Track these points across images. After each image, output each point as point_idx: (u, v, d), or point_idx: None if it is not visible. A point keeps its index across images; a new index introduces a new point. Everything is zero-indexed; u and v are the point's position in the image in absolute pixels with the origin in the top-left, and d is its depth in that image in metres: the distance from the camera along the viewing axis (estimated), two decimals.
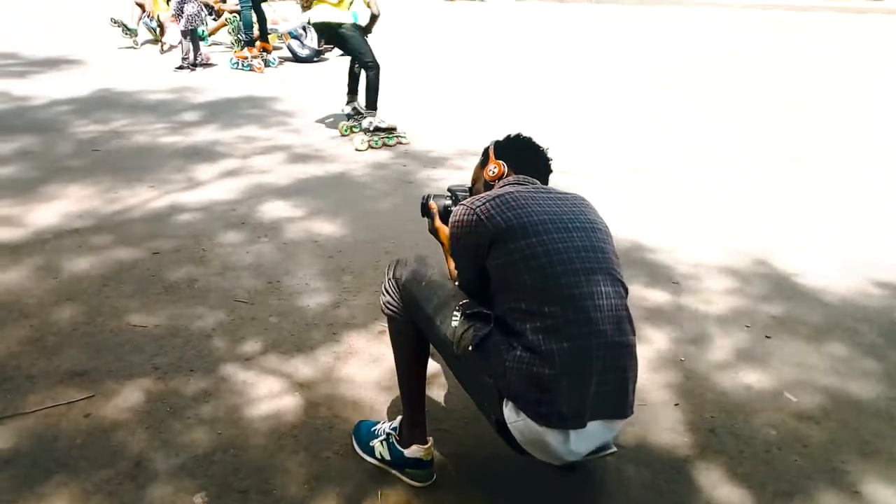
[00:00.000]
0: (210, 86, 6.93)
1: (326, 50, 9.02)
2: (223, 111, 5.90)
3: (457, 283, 1.80)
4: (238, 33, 8.27)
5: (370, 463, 1.94)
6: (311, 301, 2.82)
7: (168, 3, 8.16)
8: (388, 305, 1.81)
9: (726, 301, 2.92)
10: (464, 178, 3.94)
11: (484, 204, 1.69)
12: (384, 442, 1.90)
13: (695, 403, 2.26)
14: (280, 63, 8.36)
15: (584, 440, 1.60)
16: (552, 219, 1.67)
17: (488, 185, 1.91)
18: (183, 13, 7.53)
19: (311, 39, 8.78)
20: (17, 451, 1.97)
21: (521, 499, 1.88)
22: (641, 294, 2.94)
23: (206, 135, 5.18)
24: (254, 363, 2.40)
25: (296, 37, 8.81)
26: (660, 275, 3.13)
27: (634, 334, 1.68)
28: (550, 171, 1.98)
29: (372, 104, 4.98)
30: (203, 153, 4.73)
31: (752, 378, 2.40)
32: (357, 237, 3.44)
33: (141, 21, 9.39)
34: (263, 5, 8.57)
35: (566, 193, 1.80)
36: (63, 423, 2.09)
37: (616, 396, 1.62)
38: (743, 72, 8.07)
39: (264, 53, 8.27)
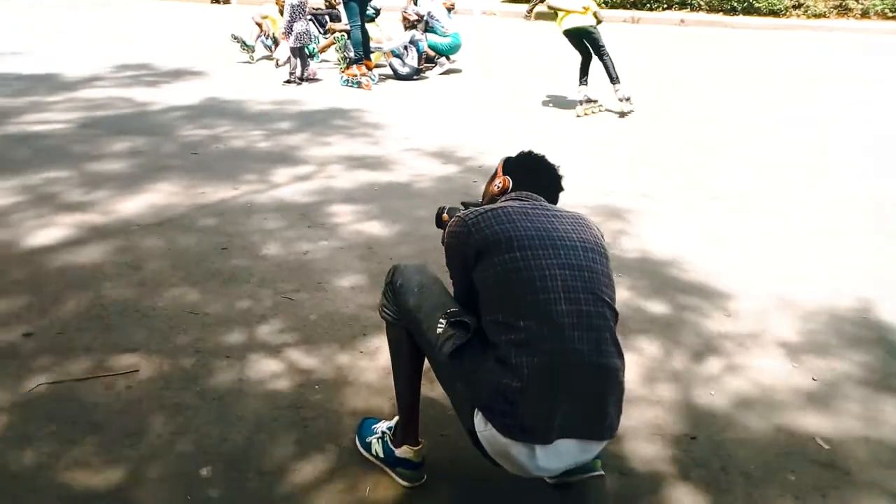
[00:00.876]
0: (311, 99, 7.31)
1: (427, 68, 9.27)
2: (315, 122, 6.21)
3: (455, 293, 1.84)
4: (345, 51, 8.68)
5: (367, 459, 2.00)
6: (352, 303, 2.94)
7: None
8: (384, 309, 1.88)
9: (778, 336, 2.77)
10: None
11: (476, 216, 1.72)
12: (379, 440, 1.96)
13: (712, 438, 2.17)
14: (381, 80, 8.67)
15: (553, 457, 1.59)
16: (541, 235, 1.67)
17: (493, 200, 1.94)
18: (292, 31, 7.99)
19: (412, 58, 9.06)
20: (61, 411, 2.18)
21: None
22: (692, 319, 2.85)
23: (293, 142, 5.48)
24: (284, 356, 2.54)
25: (398, 55, 9.11)
26: (714, 305, 3.01)
27: (620, 358, 1.65)
28: (560, 189, 1.99)
29: (616, 79, 6.50)
30: (287, 158, 5.00)
31: (788, 419, 2.27)
32: (409, 247, 3.53)
33: (258, 38, 10.03)
34: (371, 25, 8.91)
35: (565, 212, 1.80)
36: (106, 391, 2.29)
37: (592, 418, 1.60)
38: (850, 91, 7.57)
39: (368, 71, 8.62)
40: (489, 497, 1.92)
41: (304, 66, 8.29)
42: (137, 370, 2.42)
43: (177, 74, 8.36)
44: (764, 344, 2.72)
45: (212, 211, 3.92)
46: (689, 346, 2.69)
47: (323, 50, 9.98)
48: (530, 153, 2.01)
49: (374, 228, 3.75)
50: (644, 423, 2.23)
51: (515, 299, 1.60)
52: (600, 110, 6.81)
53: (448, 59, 9.48)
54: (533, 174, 1.96)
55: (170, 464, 1.98)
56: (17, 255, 3.29)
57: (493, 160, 4.95)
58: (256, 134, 5.73)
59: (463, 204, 2.18)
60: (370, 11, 9.09)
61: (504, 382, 1.55)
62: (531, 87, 7.92)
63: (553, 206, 1.84)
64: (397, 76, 9.17)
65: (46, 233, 3.54)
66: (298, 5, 7.98)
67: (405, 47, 9.05)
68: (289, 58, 8.30)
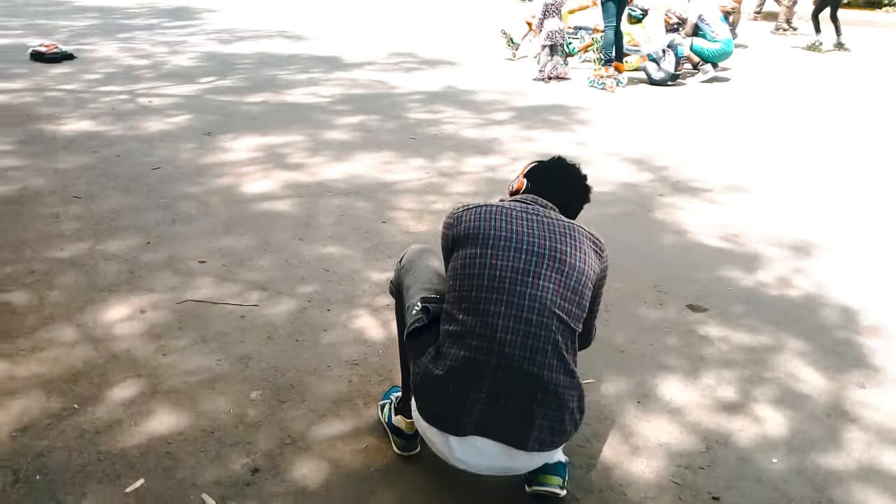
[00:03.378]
0: (544, 95, 7.47)
1: (685, 74, 8.83)
2: (532, 117, 6.37)
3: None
4: (601, 52, 8.65)
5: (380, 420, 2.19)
6: None
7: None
8: (390, 285, 2.03)
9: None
10: (719, 213, 3.74)
11: (463, 210, 1.80)
12: (389, 405, 2.13)
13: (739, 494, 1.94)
14: (632, 83, 8.47)
15: (471, 452, 1.63)
16: (513, 237, 1.69)
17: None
18: (543, 27, 8.19)
19: (669, 63, 8.70)
20: (191, 322, 2.71)
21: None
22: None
23: (500, 134, 5.71)
24: (378, 316, 2.79)
25: (654, 59, 8.81)
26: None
27: (567, 374, 1.62)
28: (583, 201, 1.99)
29: None
30: (487, 150, 5.25)
31: None
32: None
33: (525, 37, 10.41)
34: (637, 27, 8.74)
35: (562, 223, 1.77)
36: (226, 315, 2.78)
37: (517, 425, 1.61)
38: None
39: (616, 73, 8.50)
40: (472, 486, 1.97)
41: (555, 64, 8.44)
42: (256, 305, 2.86)
43: (434, 63, 9.10)
44: None
45: (394, 189, 4.31)
46: None
47: (583, 49, 10.02)
48: (559, 160, 2.00)
49: None
50: None
51: (463, 293, 1.66)
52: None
53: (714, 66, 8.91)
54: (553, 181, 1.95)
55: (234, 382, 2.36)
56: (231, 197, 4.01)
57: (694, 176, 4.72)
58: (470, 121, 6.08)
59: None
60: (637, 12, 8.89)
61: (431, 369, 1.63)
62: (798, 109, 7.14)
63: (555, 215, 1.81)
64: (651, 81, 8.88)
65: (260, 184, 4.24)
66: (553, 3, 8.14)
67: (663, 51, 8.71)
68: (537, 55, 8.53)
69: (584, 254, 1.72)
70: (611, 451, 2.12)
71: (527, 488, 1.82)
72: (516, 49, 10.18)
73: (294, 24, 12.39)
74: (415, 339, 1.77)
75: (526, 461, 1.66)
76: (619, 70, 8.41)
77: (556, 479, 1.78)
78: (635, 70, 8.91)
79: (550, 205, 1.88)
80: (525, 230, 1.71)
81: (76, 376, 2.35)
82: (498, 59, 9.81)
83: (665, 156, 5.19)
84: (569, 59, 9.31)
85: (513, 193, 1.97)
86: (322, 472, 1.98)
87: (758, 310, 2.99)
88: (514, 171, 4.67)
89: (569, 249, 1.71)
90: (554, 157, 2.03)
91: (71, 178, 4.23)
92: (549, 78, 8.34)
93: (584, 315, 1.72)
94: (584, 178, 1.99)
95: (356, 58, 9.19)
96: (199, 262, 3.21)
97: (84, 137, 5.09)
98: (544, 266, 1.67)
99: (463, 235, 1.74)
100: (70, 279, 2.99)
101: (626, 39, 8.87)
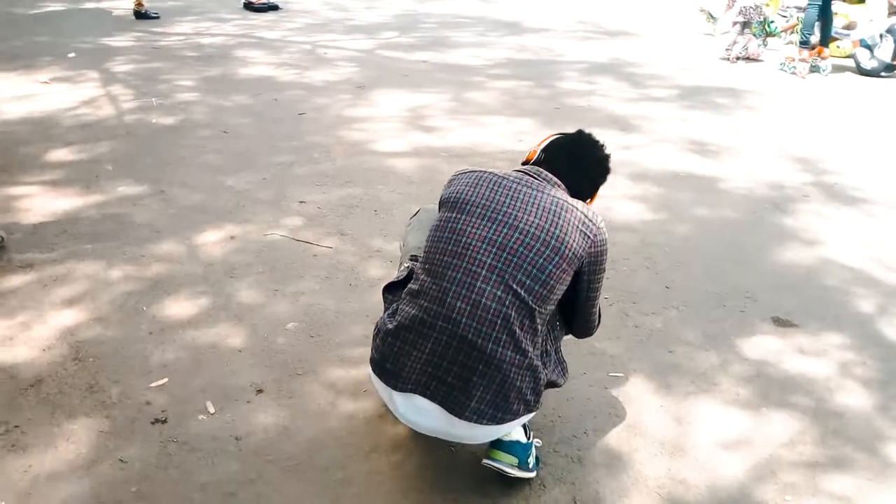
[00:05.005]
0: (719, 75, 6.89)
1: None
2: (691, 97, 5.92)
3: None
4: (805, 32, 7.76)
5: None
6: None
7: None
8: (401, 242, 2.08)
9: None
10: (870, 229, 3.42)
11: (457, 174, 1.79)
12: None
13: None
14: (836, 72, 7.50)
15: (413, 410, 1.65)
16: (487, 205, 1.67)
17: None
18: (736, 2, 7.49)
19: (885, 51, 7.57)
20: (269, 254, 2.96)
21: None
22: None
23: (650, 111, 5.39)
24: None
25: (868, 45, 7.72)
26: None
27: (516, 350, 1.58)
28: (596, 179, 1.89)
29: None
30: (629, 127, 4.99)
31: None
32: (668, 236, 3.38)
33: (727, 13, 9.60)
34: (858, 6, 7.72)
35: (548, 197, 1.70)
36: (299, 252, 2.99)
37: (456, 392, 1.61)
38: None
39: (817, 59, 7.58)
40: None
41: (745, 43, 7.73)
42: (331, 248, 3.06)
43: (614, 34, 8.73)
44: None
45: (514, 158, 4.27)
46: None
47: (787, 30, 9.04)
48: (579, 135, 1.89)
49: (641, 213, 3.62)
50: None
51: (430, 254, 1.67)
52: None
53: None
54: (565, 157, 1.85)
55: (279, 310, 2.57)
56: (355, 149, 4.25)
57: (858, 184, 4.14)
58: (624, 95, 5.81)
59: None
60: None
61: (385, 323, 1.67)
62: None
63: (550, 190, 1.72)
64: (860, 71, 7.83)
65: (388, 141, 4.43)
66: None
67: (880, 36, 7.61)
68: (726, 32, 7.85)
69: (565, 233, 1.64)
70: (605, 449, 2.02)
71: (487, 462, 1.79)
72: (716, 24, 9.43)
73: None
74: (388, 293, 1.83)
75: (466, 430, 1.65)
76: (819, 55, 7.49)
77: (509, 458, 1.74)
78: (847, 57, 7.88)
79: (555, 180, 1.80)
80: (504, 200, 1.68)
81: (155, 284, 2.69)
82: (688, 33, 9.17)
83: (831, 157, 4.60)
84: (769, 39, 8.45)
85: (524, 163, 1.92)
86: (314, 404, 2.11)
87: (860, 344, 2.61)
88: (650, 153, 4.43)
89: (547, 226, 1.64)
90: (575, 132, 1.94)
91: (227, 114, 4.72)
92: (738, 58, 7.65)
93: (553, 296, 1.65)
94: (602, 158, 1.89)
95: (537, 24, 9.09)
96: (300, 202, 3.47)
97: (257, 81, 5.63)
98: (512, 239, 1.63)
99: (447, 197, 1.75)
100: (187, 201, 3.39)
101: (841, 22, 7.86)
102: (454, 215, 1.70)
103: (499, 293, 1.59)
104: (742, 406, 2.21)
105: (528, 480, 1.85)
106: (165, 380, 2.17)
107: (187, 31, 7.36)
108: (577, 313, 1.87)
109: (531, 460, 1.81)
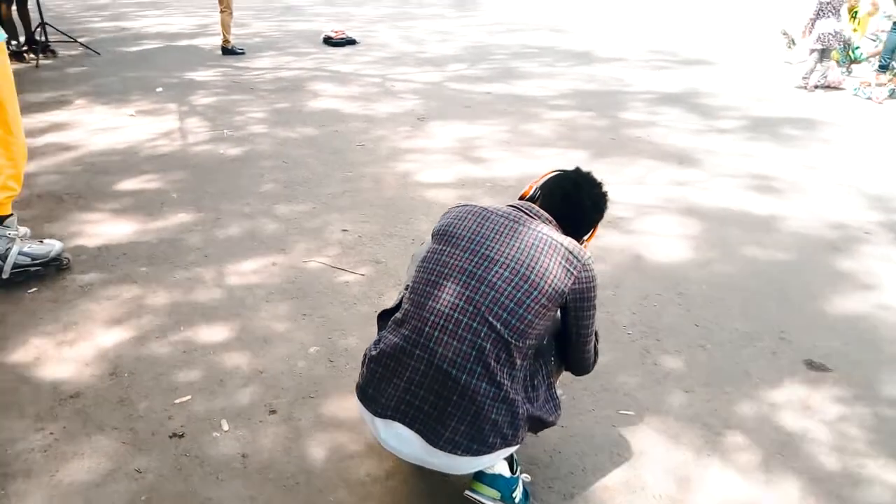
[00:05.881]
0: (797, 104, 6.64)
1: None
2: (763, 127, 5.74)
3: None
4: (882, 56, 7.40)
5: None
6: None
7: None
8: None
9: None
10: None
11: (453, 208, 1.87)
12: None
13: None
14: None
15: (393, 437, 1.70)
16: (472, 237, 1.73)
17: None
18: (815, 28, 7.22)
19: None
20: (302, 280, 3.11)
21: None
22: None
23: (711, 145, 5.26)
24: None
25: None
26: None
27: (490, 383, 1.62)
28: (584, 218, 1.92)
29: None
30: (685, 158, 4.91)
31: None
32: (700, 272, 3.31)
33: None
34: None
35: (533, 232, 1.73)
36: (333, 279, 3.12)
37: (432, 421, 1.65)
38: None
39: (887, 81, 7.20)
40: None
41: (824, 71, 7.43)
42: (364, 275, 3.17)
43: (688, 62, 8.57)
44: None
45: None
46: None
47: (876, 55, 8.63)
48: (575, 174, 1.93)
49: (682, 251, 3.57)
50: None
51: (415, 284, 1.74)
52: None
53: None
54: (558, 195, 1.90)
55: (305, 334, 2.69)
56: (404, 180, 4.38)
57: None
58: (687, 127, 5.71)
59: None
60: None
61: (371, 349, 1.75)
62: None
63: (536, 226, 1.76)
64: None
65: (436, 172, 4.55)
66: (828, 1, 7.13)
67: None
68: (803, 60, 7.57)
69: (545, 268, 1.67)
70: (601, 490, 2.00)
71: (468, 494, 1.82)
72: (795, 50, 9.12)
73: (568, 17, 12.54)
74: (381, 320, 1.91)
75: (445, 459, 1.69)
76: None
77: (491, 491, 1.76)
78: None
79: (547, 216, 1.84)
80: (492, 234, 1.73)
81: (196, 306, 2.87)
82: (767, 61, 8.89)
83: (888, 198, 4.35)
84: (853, 66, 8.09)
85: (520, 198, 1.96)
86: (319, 427, 2.20)
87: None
88: (705, 188, 4.34)
89: (527, 260, 1.68)
90: (573, 170, 1.96)
91: (290, 145, 4.97)
92: (816, 87, 7.35)
93: (532, 331, 1.67)
94: (597, 197, 1.91)
95: (609, 53, 9.05)
96: (343, 230, 3.62)
97: (323, 113, 5.90)
98: (492, 273, 1.67)
99: (437, 230, 1.82)
100: (237, 229, 3.60)
101: None
102: (440, 247, 1.76)
103: (474, 325, 1.64)
104: (753, 467, 2.13)
105: None
106: (189, 397, 2.32)
107: (267, 66, 7.80)
108: (570, 349, 1.89)
109: (517, 495, 1.83)
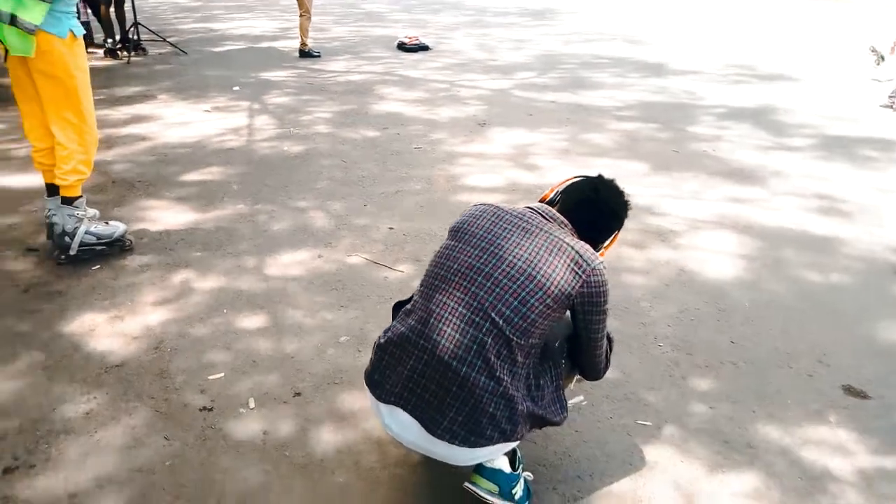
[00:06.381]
0: (879, 124, 6.32)
1: None
2: (838, 146, 5.50)
3: None
4: None
5: None
6: None
7: None
8: None
9: None
10: None
11: (472, 206, 1.91)
12: None
13: None
14: None
15: (396, 423, 1.77)
16: (484, 236, 1.77)
17: None
18: None
19: None
20: (343, 274, 3.22)
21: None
22: None
23: (778, 161, 5.09)
24: None
25: None
26: None
27: (490, 377, 1.65)
28: (601, 225, 1.92)
29: None
30: (747, 175, 4.77)
31: None
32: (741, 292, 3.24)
33: None
34: None
35: (545, 234, 1.76)
36: (374, 274, 3.22)
37: (432, 410, 1.71)
38: None
39: None
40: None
41: None
42: (403, 271, 3.25)
43: (767, 77, 8.29)
44: None
45: None
46: None
47: None
48: (597, 180, 1.94)
49: (730, 269, 3.50)
50: None
51: (425, 277, 1.81)
52: None
53: None
54: (576, 200, 1.91)
55: (338, 324, 2.79)
56: (455, 183, 4.45)
57: None
58: (755, 143, 5.54)
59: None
60: None
61: (380, 337, 1.82)
62: None
63: (550, 228, 1.78)
64: None
65: (488, 177, 4.60)
66: None
67: None
68: (893, 78, 7.20)
69: (553, 270, 1.70)
70: (605, 497, 1.99)
71: (468, 486, 1.85)
72: (883, 67, 8.68)
73: (646, 28, 12.35)
74: (395, 311, 1.98)
75: (445, 449, 1.73)
76: None
77: (489, 485, 1.79)
78: None
79: (563, 220, 1.86)
80: (504, 234, 1.76)
81: (241, 291, 3.02)
82: (853, 78, 8.49)
83: None
84: None
85: (540, 201, 1.99)
86: (338, 412, 2.28)
87: None
88: (765, 207, 4.22)
89: (535, 261, 1.71)
90: (595, 177, 1.97)
91: (350, 146, 5.13)
92: None
93: (535, 329, 1.70)
94: (617, 206, 1.91)
95: (684, 65, 8.87)
96: (389, 228, 3.71)
97: (386, 115, 6.04)
98: (499, 270, 1.71)
99: (453, 226, 1.87)
100: (289, 222, 3.75)
101: None
102: (453, 243, 1.81)
103: (477, 319, 1.68)
104: (766, 490, 2.07)
105: None
106: (222, 375, 2.45)
107: (340, 69, 8.04)
108: (581, 353, 1.90)
109: (517, 492, 1.85)
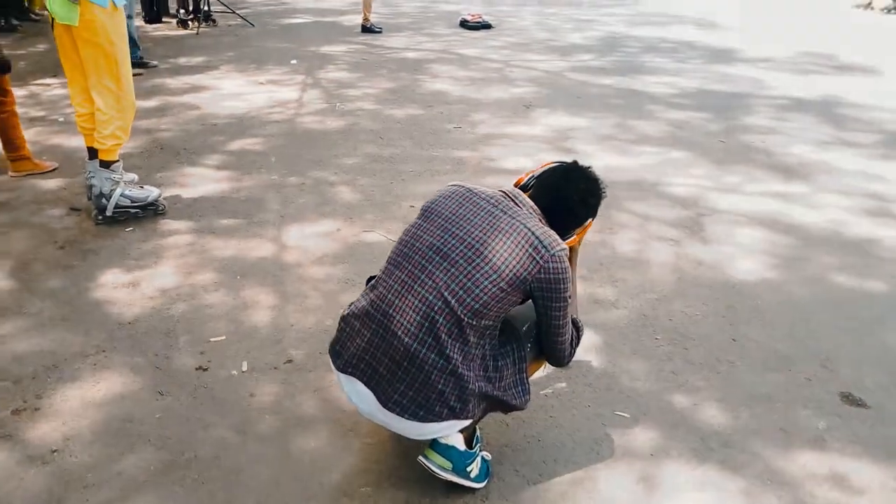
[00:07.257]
0: None
1: None
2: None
3: None
4: None
5: None
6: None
7: None
8: None
9: None
10: None
11: (443, 188, 1.94)
12: None
13: None
14: None
15: (354, 393, 1.85)
16: (448, 216, 1.81)
17: None
18: None
19: None
20: (358, 248, 3.32)
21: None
22: None
23: (832, 157, 4.84)
24: None
25: None
26: None
27: (440, 354, 1.71)
28: (569, 213, 1.93)
29: None
30: (793, 170, 4.58)
31: None
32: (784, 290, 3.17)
33: None
34: None
35: (505, 217, 1.78)
36: (386, 248, 3.30)
37: (384, 382, 1.78)
38: None
39: None
40: None
41: None
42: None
43: (845, 69, 7.85)
44: None
45: (648, 191, 4.21)
46: None
47: None
48: (570, 166, 1.94)
49: (752, 266, 3.41)
50: None
51: (390, 254, 1.88)
52: None
53: None
54: (547, 186, 1.92)
55: (343, 296, 2.88)
56: (486, 165, 4.46)
57: None
58: (811, 137, 5.30)
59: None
60: None
61: (345, 308, 1.90)
62: None
63: (514, 211, 1.80)
64: None
65: (519, 160, 4.58)
66: None
67: None
68: None
69: (510, 253, 1.72)
70: (564, 483, 2.02)
71: (421, 460, 1.91)
72: None
73: (723, 12, 11.86)
74: (366, 285, 2.04)
75: (395, 422, 1.80)
76: None
77: (441, 460, 1.85)
78: None
79: (531, 205, 1.87)
80: (467, 215, 1.80)
81: (258, 260, 3.16)
82: None
83: None
84: None
85: (515, 185, 2.01)
86: (325, 381, 2.37)
87: None
88: (806, 205, 4.07)
89: (493, 243, 1.73)
90: (570, 163, 1.97)
91: (392, 123, 5.21)
92: None
93: (488, 311, 1.73)
94: (585, 193, 1.91)
95: (754, 53, 8.50)
96: (410, 206, 3.78)
97: (434, 93, 6.09)
98: (456, 251, 1.74)
99: (423, 206, 1.91)
100: (316, 196, 3.87)
101: None
102: (419, 222, 1.86)
103: (430, 298, 1.73)
104: (737, 491, 2.04)
105: (472, 489, 1.93)
106: (223, 338, 2.60)
107: (398, 45, 8.11)
108: (543, 339, 1.92)
109: (472, 469, 1.90)
